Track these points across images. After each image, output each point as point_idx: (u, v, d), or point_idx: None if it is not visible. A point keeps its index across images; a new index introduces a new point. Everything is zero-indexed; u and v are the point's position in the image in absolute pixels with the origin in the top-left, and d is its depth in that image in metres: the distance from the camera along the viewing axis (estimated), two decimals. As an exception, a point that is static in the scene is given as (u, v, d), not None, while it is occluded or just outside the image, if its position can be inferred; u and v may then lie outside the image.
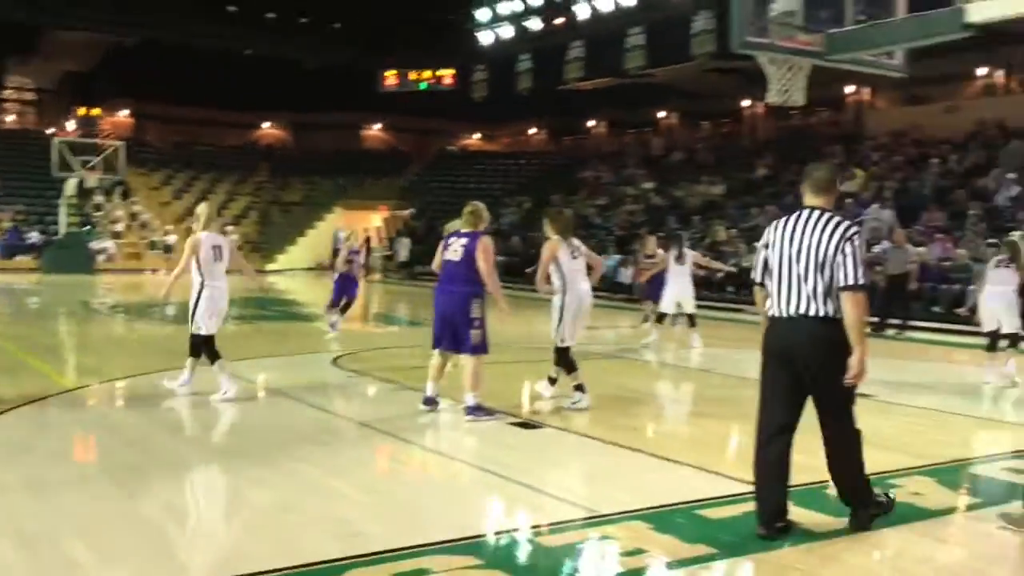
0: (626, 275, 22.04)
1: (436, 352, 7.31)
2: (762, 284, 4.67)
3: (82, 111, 39.99)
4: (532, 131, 45.15)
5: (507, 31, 34.74)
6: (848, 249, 4.36)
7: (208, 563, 4.15)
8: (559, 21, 32.89)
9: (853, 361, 4.32)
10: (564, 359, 7.69)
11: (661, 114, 38.45)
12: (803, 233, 4.48)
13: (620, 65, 30.11)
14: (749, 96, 32.55)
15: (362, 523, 4.67)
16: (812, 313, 4.40)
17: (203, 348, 7.75)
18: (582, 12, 31.09)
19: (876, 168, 23.48)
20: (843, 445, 4.54)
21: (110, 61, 41.83)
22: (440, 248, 7.37)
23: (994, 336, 9.55)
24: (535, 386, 8.29)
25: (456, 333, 7.09)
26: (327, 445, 6.46)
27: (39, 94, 47.41)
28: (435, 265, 7.39)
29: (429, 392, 7.35)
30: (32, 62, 43.99)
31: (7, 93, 46.22)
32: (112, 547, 4.25)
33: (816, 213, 4.53)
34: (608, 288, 20.86)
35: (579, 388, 7.60)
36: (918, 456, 6.23)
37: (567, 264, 7.58)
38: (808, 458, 4.66)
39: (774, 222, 4.71)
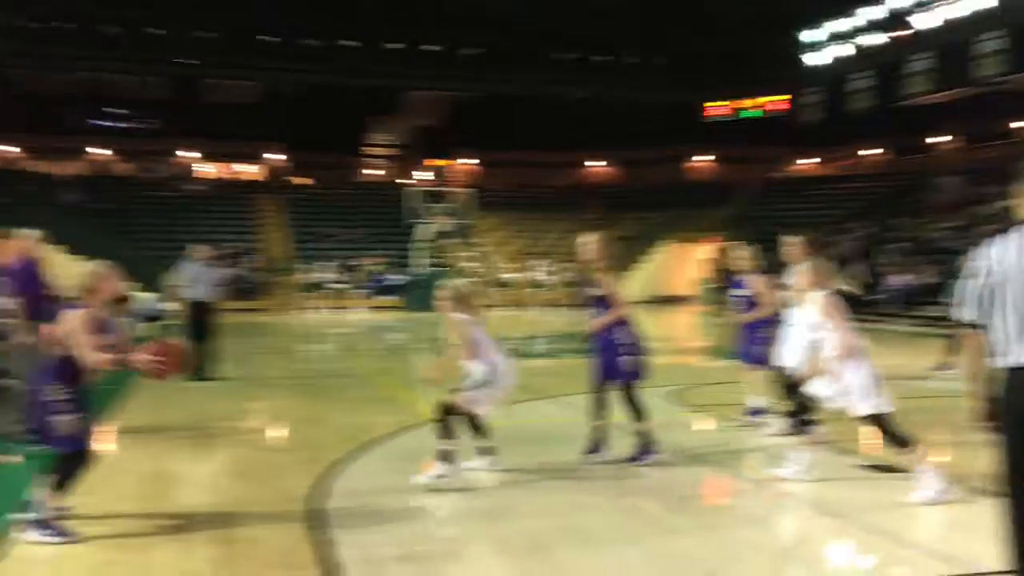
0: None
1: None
2: (976, 325, 3.47)
3: (433, 162, 43.95)
4: (869, 152, 42.58)
5: (841, 50, 33.25)
6: None
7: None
8: (900, 34, 30.92)
9: None
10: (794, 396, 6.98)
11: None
12: None
13: (973, 74, 27.63)
14: None
15: (718, 564, 4.65)
16: None
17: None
18: (927, 22, 29.00)
19: None
20: None
21: (456, 115, 45.78)
22: None
23: None
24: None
25: None
26: (671, 480, 6.49)
27: (396, 149, 52.89)
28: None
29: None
30: (391, 121, 49.29)
31: (371, 150, 52.01)
32: (481, 569, 4.59)
33: None
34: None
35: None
36: None
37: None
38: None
39: (992, 243, 3.43)
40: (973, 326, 3.47)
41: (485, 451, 6.58)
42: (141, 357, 5.31)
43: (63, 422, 5.09)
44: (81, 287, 5.28)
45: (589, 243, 7.01)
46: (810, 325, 6.27)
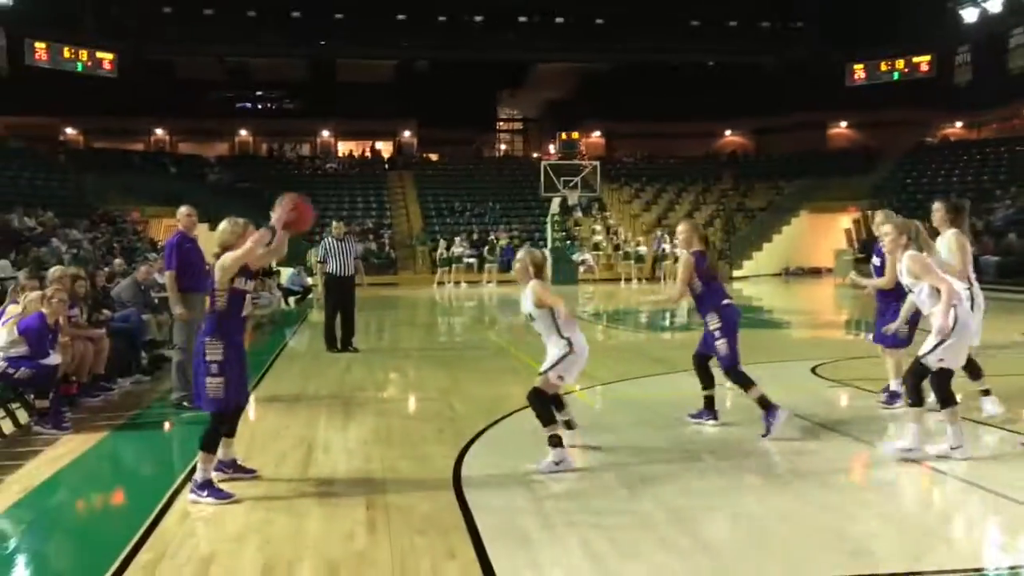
0: None
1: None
2: None
3: (562, 135, 43.80)
4: (1027, 112, 39.87)
5: (996, 4, 31.22)
6: None
7: (709, 568, 4.29)
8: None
9: None
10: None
11: None
12: None
13: None
14: None
15: (864, 540, 4.49)
16: None
17: None
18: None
19: None
20: None
21: (585, 87, 45.46)
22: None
23: None
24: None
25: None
26: (815, 455, 6.32)
27: (525, 123, 53.07)
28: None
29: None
30: (520, 95, 49.42)
31: (500, 124, 52.35)
32: (623, 541, 4.59)
33: None
34: None
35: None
36: None
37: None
38: None
39: None
40: None
41: (567, 424, 6.45)
42: (280, 212, 5.70)
43: (210, 383, 5.35)
44: (222, 244, 5.52)
45: (679, 231, 7.28)
46: (906, 288, 6.22)
